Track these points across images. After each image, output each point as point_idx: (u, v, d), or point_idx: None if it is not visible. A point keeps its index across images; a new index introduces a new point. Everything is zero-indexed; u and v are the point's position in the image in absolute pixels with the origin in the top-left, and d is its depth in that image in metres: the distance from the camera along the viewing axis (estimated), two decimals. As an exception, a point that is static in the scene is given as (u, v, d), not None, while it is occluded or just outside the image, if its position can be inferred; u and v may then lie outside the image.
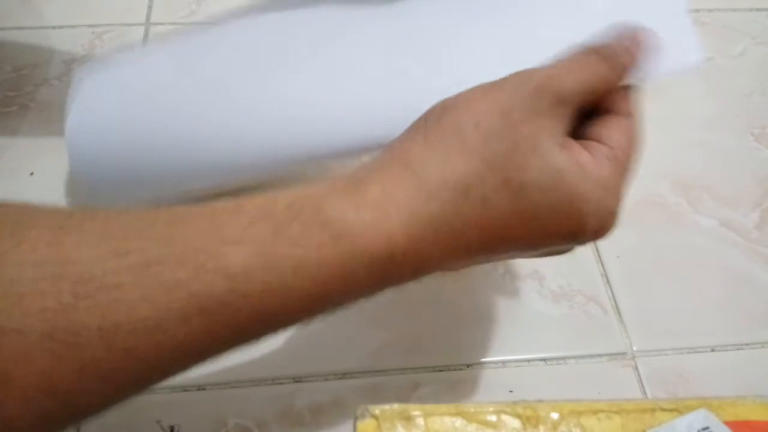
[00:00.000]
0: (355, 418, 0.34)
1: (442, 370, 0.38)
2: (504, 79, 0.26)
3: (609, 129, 0.27)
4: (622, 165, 0.27)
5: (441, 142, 0.26)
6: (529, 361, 0.38)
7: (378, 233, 0.24)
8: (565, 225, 0.26)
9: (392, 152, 0.26)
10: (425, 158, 0.25)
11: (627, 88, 0.28)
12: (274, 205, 0.24)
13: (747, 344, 0.39)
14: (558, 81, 0.26)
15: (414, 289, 0.40)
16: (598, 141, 0.27)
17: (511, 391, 0.37)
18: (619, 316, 0.40)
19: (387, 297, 0.40)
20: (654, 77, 0.29)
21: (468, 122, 0.25)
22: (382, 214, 0.24)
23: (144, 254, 0.22)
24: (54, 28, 0.52)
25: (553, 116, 0.26)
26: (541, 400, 0.35)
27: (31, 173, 0.44)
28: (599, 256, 0.42)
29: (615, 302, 0.41)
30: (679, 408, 0.35)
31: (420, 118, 0.27)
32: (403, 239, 0.25)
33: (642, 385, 0.37)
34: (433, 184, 0.25)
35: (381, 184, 0.25)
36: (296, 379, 0.37)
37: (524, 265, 0.42)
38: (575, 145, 0.26)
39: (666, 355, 0.39)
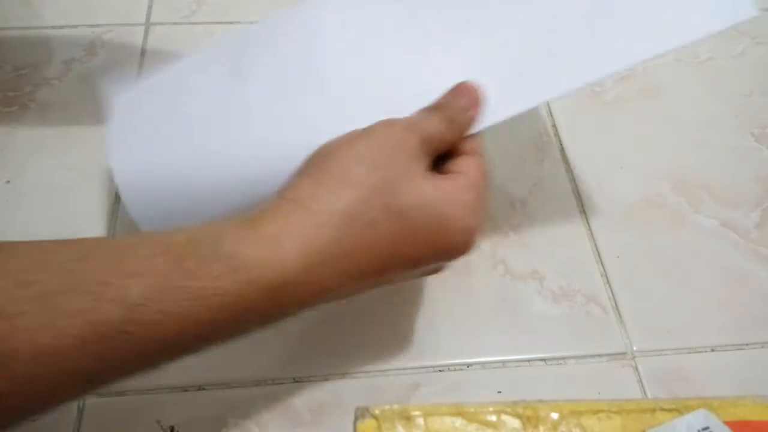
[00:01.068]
0: (355, 418, 0.34)
1: (442, 370, 0.38)
2: (374, 125, 0.31)
3: (463, 165, 0.32)
4: (478, 192, 0.31)
5: (328, 179, 0.29)
6: (529, 361, 0.38)
7: (272, 263, 0.27)
8: (439, 241, 0.30)
9: (283, 195, 0.29)
10: (314, 194, 0.29)
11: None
12: (173, 240, 0.26)
13: (747, 344, 0.39)
14: (418, 126, 0.31)
15: (414, 289, 0.40)
16: (458, 173, 0.32)
17: (499, 392, 0.37)
18: (619, 316, 0.40)
19: (387, 297, 0.40)
20: (493, 122, 0.34)
21: (350, 159, 0.30)
22: (276, 245, 0.27)
23: (47, 285, 0.24)
24: (54, 28, 0.52)
25: (418, 153, 0.31)
26: (541, 400, 0.35)
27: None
28: (599, 256, 0.42)
29: (615, 302, 0.41)
30: (679, 408, 0.35)
31: (302, 165, 0.31)
32: (299, 266, 0.27)
33: (642, 385, 0.38)
34: (323, 214, 0.28)
35: (275, 220, 0.28)
36: (296, 379, 0.37)
37: (524, 265, 0.42)
38: (439, 176, 0.31)
39: (666, 355, 0.39)
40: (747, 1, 0.38)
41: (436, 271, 0.34)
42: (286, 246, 0.27)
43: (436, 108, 0.33)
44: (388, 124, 0.31)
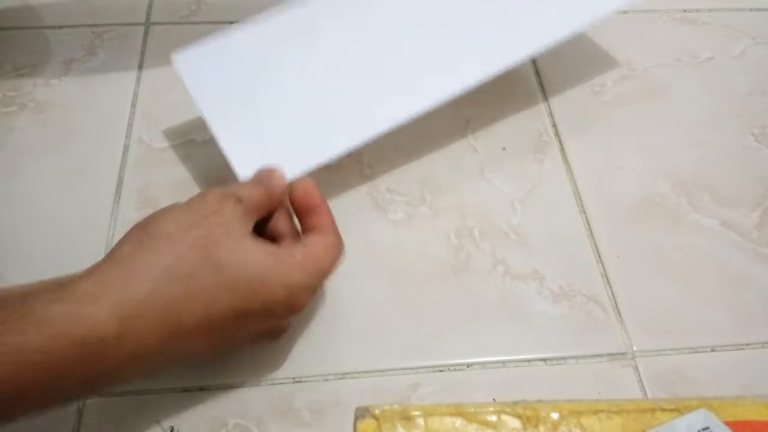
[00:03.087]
0: (355, 418, 0.34)
1: (442, 370, 0.38)
2: (192, 197, 0.33)
3: (308, 239, 0.35)
4: (312, 259, 0.33)
5: (148, 239, 0.30)
6: (529, 361, 0.38)
7: (83, 317, 0.27)
8: (261, 294, 0.31)
9: (104, 260, 0.30)
10: (136, 254, 0.30)
11: (324, 209, 0.36)
12: None
13: (747, 344, 0.39)
14: (235, 189, 0.34)
15: (414, 289, 0.40)
16: (298, 243, 0.34)
17: (499, 392, 0.37)
18: (619, 316, 0.40)
19: (387, 297, 0.40)
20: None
21: (169, 221, 0.31)
22: (89, 300, 0.27)
23: None
24: (54, 28, 0.52)
25: (236, 213, 0.32)
26: (541, 400, 0.35)
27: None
28: (599, 256, 0.42)
29: (615, 302, 0.41)
30: (679, 408, 0.35)
31: (126, 233, 0.32)
32: (115, 321, 0.27)
33: (642, 385, 0.37)
34: (142, 269, 0.29)
35: (92, 279, 0.29)
36: (296, 379, 0.37)
37: (524, 265, 0.42)
38: (260, 238, 0.33)
39: (666, 355, 0.39)
40: None
41: (276, 333, 0.36)
42: (99, 301, 0.28)
43: (254, 179, 0.36)
44: (203, 194, 0.33)
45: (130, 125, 0.47)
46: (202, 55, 0.41)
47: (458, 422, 0.34)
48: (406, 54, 0.42)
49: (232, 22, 0.53)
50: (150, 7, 0.54)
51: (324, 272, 0.34)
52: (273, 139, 0.39)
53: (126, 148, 0.46)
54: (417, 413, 0.34)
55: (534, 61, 0.53)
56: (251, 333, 0.34)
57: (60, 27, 0.52)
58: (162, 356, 0.30)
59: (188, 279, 0.30)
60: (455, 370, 0.38)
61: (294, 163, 0.38)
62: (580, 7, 0.44)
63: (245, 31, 0.42)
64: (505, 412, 0.34)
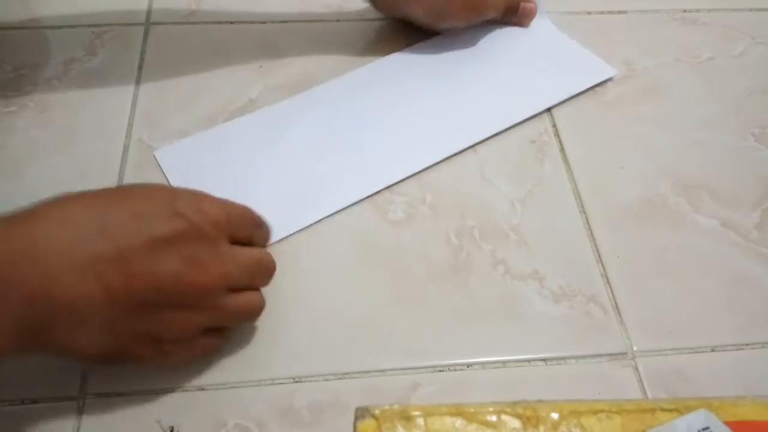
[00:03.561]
0: (355, 418, 0.34)
1: (442, 370, 0.38)
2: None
3: None
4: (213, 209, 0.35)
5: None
6: (529, 361, 0.38)
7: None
8: (142, 201, 0.34)
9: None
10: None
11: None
12: None
13: (747, 344, 0.39)
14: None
15: (414, 289, 0.40)
16: None
17: (499, 392, 0.37)
18: (619, 316, 0.40)
19: (387, 297, 0.40)
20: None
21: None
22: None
23: None
24: (54, 28, 0.52)
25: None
26: (541, 400, 0.35)
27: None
28: (599, 256, 0.42)
29: (615, 302, 0.41)
30: (679, 408, 0.35)
31: None
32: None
33: (642, 385, 0.37)
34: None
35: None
36: (296, 379, 0.37)
37: (524, 265, 0.42)
38: None
39: (666, 355, 0.39)
40: (608, 67, 0.52)
41: (206, 347, 0.36)
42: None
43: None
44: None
45: (130, 125, 0.47)
46: (181, 148, 0.46)
47: (458, 422, 0.34)
48: (369, 142, 0.47)
49: (232, 23, 0.54)
50: (150, 7, 0.54)
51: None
52: None
53: (126, 148, 0.46)
54: (417, 413, 0.34)
55: (534, 61, 0.53)
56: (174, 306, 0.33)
57: (60, 27, 0.52)
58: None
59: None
60: (455, 370, 0.38)
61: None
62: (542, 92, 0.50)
63: (219, 127, 0.47)
64: (505, 412, 0.34)
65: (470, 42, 0.53)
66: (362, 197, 0.44)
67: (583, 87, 0.50)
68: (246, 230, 0.37)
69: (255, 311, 0.37)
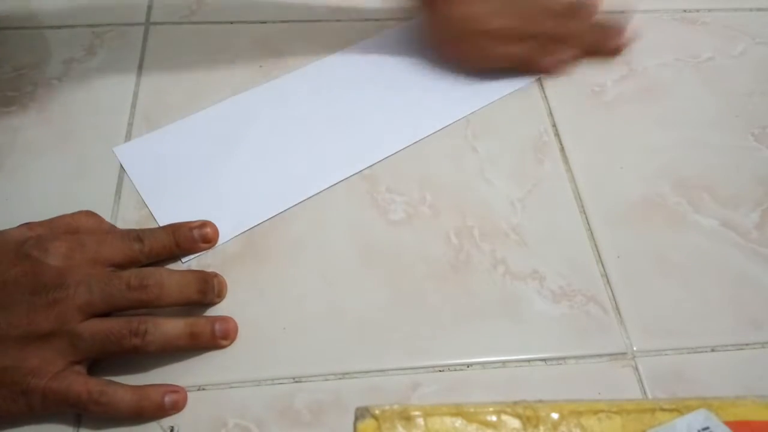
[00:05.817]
0: (355, 418, 0.34)
1: (442, 370, 0.38)
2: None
3: None
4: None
5: None
6: (529, 361, 0.38)
7: None
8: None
9: None
10: None
11: None
12: None
13: (747, 344, 0.39)
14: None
15: (414, 289, 0.40)
16: None
17: (499, 392, 0.37)
18: (619, 316, 0.40)
19: (387, 297, 0.40)
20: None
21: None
22: None
23: None
24: (54, 28, 0.52)
25: None
26: (541, 400, 0.35)
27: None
28: (599, 256, 0.42)
29: (615, 302, 0.41)
30: (679, 408, 0.35)
31: None
32: None
33: (642, 385, 0.38)
34: None
35: None
36: (296, 379, 0.37)
37: (524, 265, 0.42)
38: None
39: (666, 355, 0.39)
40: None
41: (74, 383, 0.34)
42: None
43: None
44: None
45: (130, 125, 0.47)
46: (141, 145, 0.46)
47: (458, 422, 0.34)
48: (319, 140, 0.47)
49: (232, 23, 0.54)
50: (150, 7, 0.54)
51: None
52: (203, 210, 0.43)
53: (126, 148, 0.46)
54: (417, 413, 0.34)
55: (534, 61, 0.53)
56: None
57: (60, 27, 0.52)
58: None
59: None
60: (455, 370, 0.38)
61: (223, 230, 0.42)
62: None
63: (178, 123, 0.47)
64: (505, 412, 0.34)
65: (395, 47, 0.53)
66: (324, 188, 0.45)
67: (506, 92, 0.50)
68: (109, 252, 0.37)
69: (124, 341, 0.35)
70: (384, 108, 0.49)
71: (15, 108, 0.47)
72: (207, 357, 0.37)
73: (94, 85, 0.49)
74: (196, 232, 0.41)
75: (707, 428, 0.33)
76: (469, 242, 0.43)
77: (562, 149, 0.48)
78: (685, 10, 0.57)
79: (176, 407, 0.35)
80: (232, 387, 0.37)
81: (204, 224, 0.41)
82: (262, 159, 0.46)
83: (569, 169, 0.46)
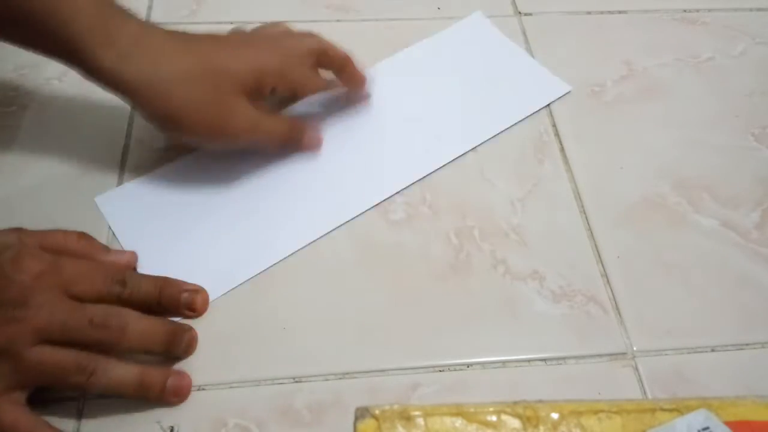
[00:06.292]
0: (355, 418, 0.34)
1: (442, 370, 0.38)
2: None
3: None
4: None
5: None
6: (529, 361, 0.38)
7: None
8: None
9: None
10: None
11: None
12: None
13: (747, 344, 0.39)
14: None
15: (414, 289, 0.40)
16: None
17: (499, 392, 0.37)
18: (619, 316, 0.40)
19: (387, 297, 0.40)
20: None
21: None
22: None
23: None
24: (54, 28, 0.52)
25: None
26: (541, 400, 0.35)
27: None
28: (599, 256, 0.42)
29: (615, 302, 0.41)
30: (679, 408, 0.35)
31: None
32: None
33: (642, 385, 0.37)
34: None
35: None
36: (296, 379, 0.37)
37: (524, 265, 0.42)
38: None
39: (666, 355, 0.39)
40: (560, 82, 0.51)
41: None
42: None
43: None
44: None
45: (130, 125, 0.47)
46: (122, 194, 0.44)
47: (458, 422, 0.34)
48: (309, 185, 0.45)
49: (231, 23, 0.53)
50: (150, 7, 0.54)
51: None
52: (191, 264, 0.41)
53: (126, 148, 0.46)
54: (417, 413, 0.34)
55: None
56: None
57: (60, 27, 0.52)
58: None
59: None
60: (455, 370, 0.38)
61: (212, 286, 0.40)
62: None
63: (159, 170, 0.45)
64: (505, 412, 0.34)
65: (433, 56, 0.52)
66: (315, 238, 0.42)
67: (540, 106, 0.49)
68: (84, 286, 0.35)
69: (70, 375, 0.33)
70: (388, 143, 0.47)
71: (15, 108, 0.47)
72: (207, 357, 0.37)
73: (94, 86, 0.49)
74: (184, 297, 0.38)
75: (707, 428, 0.33)
76: (469, 242, 0.43)
77: (562, 149, 0.48)
78: (685, 10, 0.57)
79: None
80: (232, 387, 0.37)
81: (196, 291, 0.38)
82: (255, 202, 0.43)
83: (569, 169, 0.46)
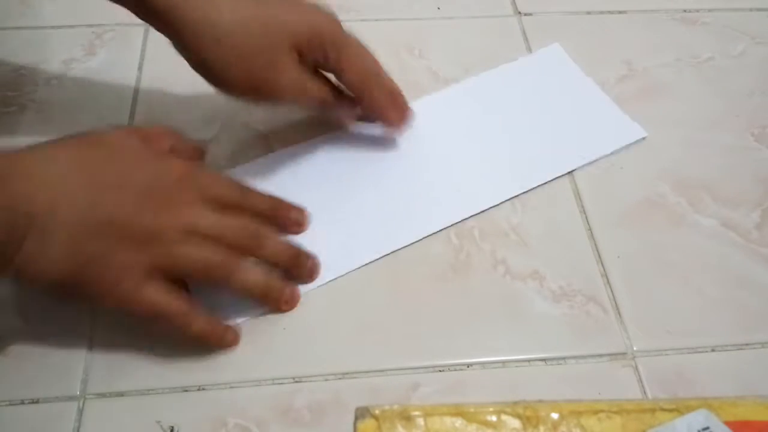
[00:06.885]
0: (355, 418, 0.34)
1: (442, 370, 0.38)
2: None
3: None
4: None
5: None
6: (529, 361, 0.38)
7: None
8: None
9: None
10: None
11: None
12: None
13: (747, 344, 0.39)
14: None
15: (414, 289, 0.40)
16: None
17: (499, 392, 0.37)
18: (619, 316, 0.40)
19: (387, 297, 0.40)
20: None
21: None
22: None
23: None
24: (53, 28, 0.52)
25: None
26: (541, 400, 0.35)
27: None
28: (599, 256, 0.42)
29: (615, 302, 0.41)
30: (679, 408, 0.35)
31: None
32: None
33: (642, 385, 0.37)
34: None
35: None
36: (296, 379, 0.37)
37: (524, 265, 0.42)
38: None
39: (666, 355, 0.39)
40: (637, 127, 0.49)
41: (154, 301, 0.35)
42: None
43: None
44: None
45: (130, 125, 0.47)
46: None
47: (458, 422, 0.34)
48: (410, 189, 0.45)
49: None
50: (150, 7, 0.54)
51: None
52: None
53: (126, 148, 0.46)
54: (417, 413, 0.34)
55: (534, 61, 0.53)
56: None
57: (60, 27, 0.52)
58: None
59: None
60: (455, 370, 0.38)
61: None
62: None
63: (269, 157, 0.46)
64: (505, 412, 0.34)
65: (506, 85, 0.50)
66: (400, 246, 0.42)
67: (612, 149, 0.47)
68: (217, 190, 0.37)
69: (212, 270, 0.36)
70: (454, 170, 0.46)
71: (15, 108, 0.47)
72: (207, 357, 0.37)
73: (94, 85, 0.49)
74: (293, 214, 0.40)
75: (707, 428, 0.33)
76: (469, 242, 0.43)
77: (562, 149, 0.47)
78: (685, 10, 0.57)
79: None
80: (232, 387, 0.37)
81: (301, 211, 0.40)
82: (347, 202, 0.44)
83: (569, 169, 0.46)
